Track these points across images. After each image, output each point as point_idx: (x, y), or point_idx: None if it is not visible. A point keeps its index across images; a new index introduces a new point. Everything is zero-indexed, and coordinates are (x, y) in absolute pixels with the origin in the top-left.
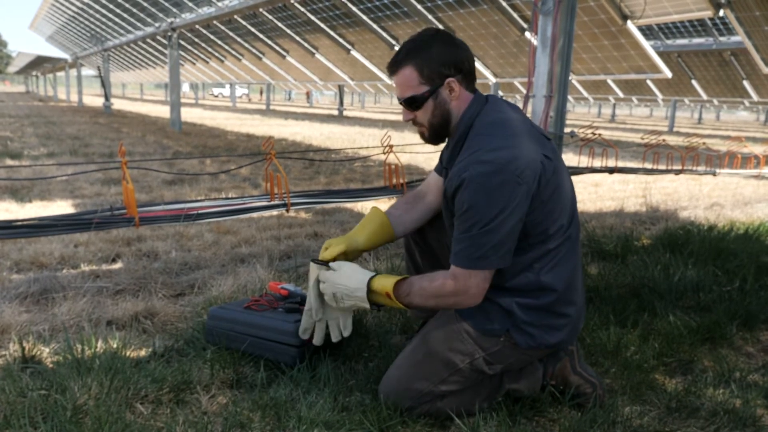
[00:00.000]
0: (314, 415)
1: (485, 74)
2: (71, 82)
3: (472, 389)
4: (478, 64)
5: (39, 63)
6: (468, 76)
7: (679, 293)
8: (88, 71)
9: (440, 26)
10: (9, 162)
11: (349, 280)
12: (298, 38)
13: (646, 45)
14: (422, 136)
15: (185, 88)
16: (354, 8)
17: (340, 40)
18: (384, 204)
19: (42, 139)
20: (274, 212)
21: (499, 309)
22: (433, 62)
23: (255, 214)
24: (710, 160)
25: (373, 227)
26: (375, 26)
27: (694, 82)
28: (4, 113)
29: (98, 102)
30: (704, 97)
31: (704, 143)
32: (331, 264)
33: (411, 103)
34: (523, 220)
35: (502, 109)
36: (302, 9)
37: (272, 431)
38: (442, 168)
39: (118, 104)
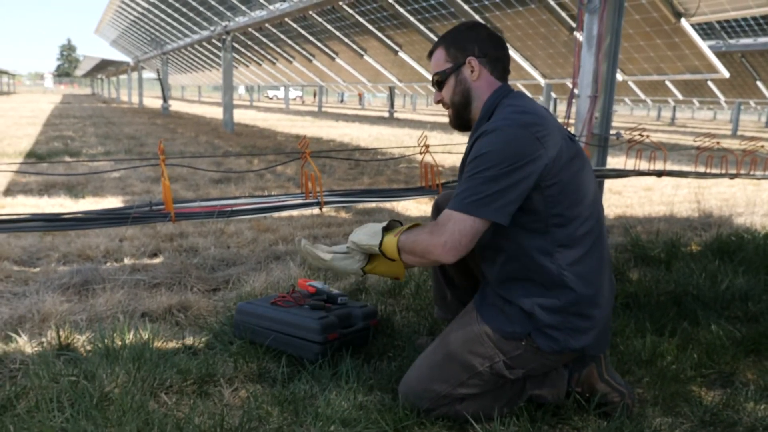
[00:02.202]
0: (331, 412)
1: (534, 75)
2: (133, 84)
3: (492, 393)
4: (526, 66)
5: (103, 66)
6: (494, 62)
7: (725, 302)
8: (148, 74)
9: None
10: (67, 159)
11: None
12: (346, 40)
13: (702, 44)
14: (450, 120)
15: (241, 90)
16: (401, 9)
17: (388, 41)
18: (423, 204)
19: (101, 139)
20: (315, 211)
21: (520, 311)
22: (458, 42)
23: (295, 213)
24: None
25: None
26: (422, 27)
27: (759, 83)
28: (69, 114)
29: (158, 104)
30: None
31: (762, 146)
32: None
33: (437, 82)
34: (532, 185)
35: (529, 101)
36: (350, 11)
37: (290, 426)
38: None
39: (176, 106)
